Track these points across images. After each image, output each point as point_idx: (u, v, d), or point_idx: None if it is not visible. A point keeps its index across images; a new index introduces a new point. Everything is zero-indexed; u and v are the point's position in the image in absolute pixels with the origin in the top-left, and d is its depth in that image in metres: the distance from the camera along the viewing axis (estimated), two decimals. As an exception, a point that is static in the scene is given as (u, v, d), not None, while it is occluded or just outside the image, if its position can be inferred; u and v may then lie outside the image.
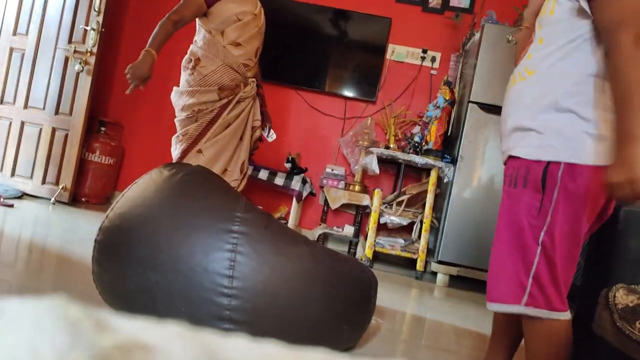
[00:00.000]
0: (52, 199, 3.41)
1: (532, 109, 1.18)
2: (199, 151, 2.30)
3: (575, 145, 1.11)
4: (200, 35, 2.36)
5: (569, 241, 1.13)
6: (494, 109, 3.09)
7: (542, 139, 1.15)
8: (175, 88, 2.39)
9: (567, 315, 1.15)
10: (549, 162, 1.13)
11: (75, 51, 3.47)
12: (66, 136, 3.50)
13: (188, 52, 2.38)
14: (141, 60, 2.12)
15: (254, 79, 2.44)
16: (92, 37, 3.45)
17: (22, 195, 3.43)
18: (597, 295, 1.22)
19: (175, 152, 2.35)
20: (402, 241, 3.33)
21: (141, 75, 2.12)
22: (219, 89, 2.29)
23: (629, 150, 1.00)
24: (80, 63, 3.44)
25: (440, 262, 3.12)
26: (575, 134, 1.11)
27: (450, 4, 3.74)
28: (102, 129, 3.83)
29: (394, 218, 3.24)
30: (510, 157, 1.23)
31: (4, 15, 3.66)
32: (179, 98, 2.35)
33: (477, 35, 3.21)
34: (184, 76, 2.35)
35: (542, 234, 1.12)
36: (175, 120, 2.37)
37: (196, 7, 2.27)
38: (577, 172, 1.10)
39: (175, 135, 2.37)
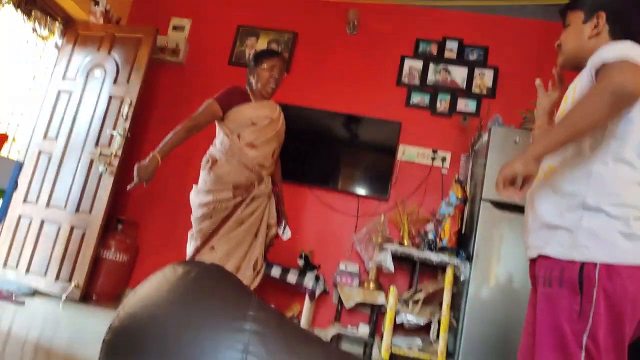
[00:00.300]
0: (63, 296, 3.38)
1: (563, 195, 1.19)
2: (212, 248, 2.32)
3: (609, 245, 1.10)
4: (219, 138, 2.49)
5: (614, 345, 1.08)
6: (507, 207, 3.11)
7: (573, 238, 1.14)
8: (194, 186, 2.48)
9: None
10: (583, 263, 1.11)
11: (100, 154, 3.65)
12: (83, 234, 3.56)
13: (207, 153, 2.50)
14: (147, 162, 2.24)
15: (270, 177, 2.52)
16: (117, 142, 3.65)
17: (34, 293, 3.42)
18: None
19: (190, 248, 2.38)
20: (420, 342, 3.17)
21: (145, 176, 2.24)
22: (234, 188, 2.36)
23: (520, 154, 1.14)
24: (104, 165, 3.61)
25: (461, 367, 2.95)
26: (607, 234, 1.10)
27: (457, 108, 3.93)
28: (119, 226, 3.90)
29: (410, 317, 3.13)
30: (541, 256, 1.22)
31: (36, 121, 3.93)
32: (196, 196, 2.43)
33: (485, 137, 3.33)
34: (202, 175, 2.45)
35: (585, 337, 1.07)
36: (192, 217, 2.43)
37: (211, 114, 2.42)
38: (614, 273, 1.08)
39: (190, 231, 2.41)
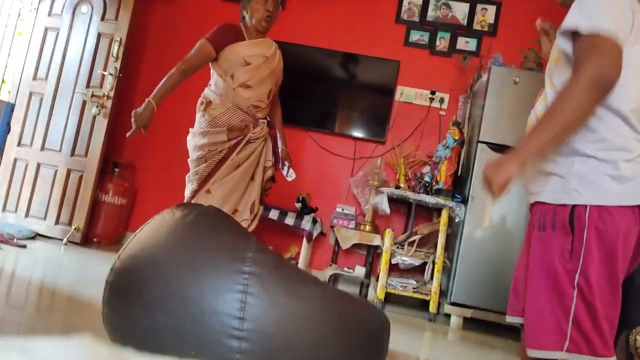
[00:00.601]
0: (65, 239, 3.43)
1: (553, 153, 1.20)
2: (208, 191, 2.32)
3: (598, 187, 1.12)
4: (213, 79, 2.44)
5: (607, 282, 1.11)
6: (503, 149, 3.09)
7: (565, 183, 1.16)
8: (190, 129, 2.45)
9: None
10: (574, 206, 1.14)
11: (92, 95, 3.58)
12: (81, 177, 3.56)
13: (202, 94, 2.45)
14: (142, 108, 2.25)
15: (265, 120, 2.48)
16: (109, 82, 3.57)
17: (35, 236, 3.46)
18: (614, 338, 1.19)
19: (187, 191, 2.39)
20: (415, 282, 3.28)
21: (141, 122, 2.25)
22: (228, 130, 2.33)
23: (504, 157, 1.13)
24: (97, 107, 3.54)
25: (453, 304, 3.06)
26: (596, 177, 1.13)
27: (457, 47, 3.83)
28: (116, 170, 3.90)
29: (405, 258, 3.21)
30: (537, 202, 1.24)
31: (25, 61, 3.81)
32: (192, 139, 2.42)
33: (485, 77, 3.27)
34: (197, 118, 2.42)
35: (577, 276, 1.10)
36: (189, 160, 2.43)
37: (204, 55, 2.36)
38: (605, 212, 1.11)
39: (187, 174, 2.41)
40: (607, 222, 1.11)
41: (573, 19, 1.12)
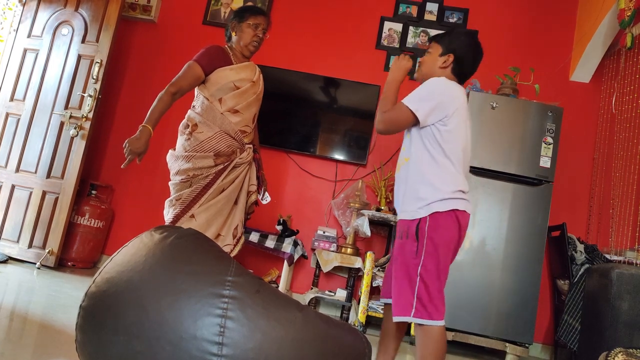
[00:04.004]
0: (38, 263, 3.33)
1: (407, 183, 1.75)
2: (192, 216, 2.26)
3: (430, 207, 1.67)
4: (198, 101, 2.38)
5: (437, 271, 1.66)
6: (482, 172, 3.15)
7: (415, 206, 1.71)
8: (171, 151, 2.38)
9: (441, 323, 1.64)
10: (419, 221, 1.68)
11: (71, 116, 3.54)
12: (56, 200, 3.49)
13: (185, 117, 2.40)
14: (138, 135, 2.13)
15: (251, 145, 2.45)
16: (88, 104, 3.53)
17: (7, 260, 3.36)
18: (594, 358, 1.20)
19: (168, 216, 2.31)
20: (396, 305, 3.26)
21: (137, 150, 2.12)
22: (215, 155, 2.28)
23: None
24: (75, 128, 3.50)
25: (434, 327, 3.05)
26: (430, 197, 1.68)
27: (436, 73, 3.91)
28: (93, 192, 3.83)
29: (386, 281, 3.19)
30: (400, 219, 1.78)
31: (2, 81, 3.76)
32: (174, 162, 2.34)
33: (463, 102, 3.33)
34: (180, 140, 2.36)
35: (420, 268, 1.65)
36: (170, 183, 2.36)
37: (194, 78, 2.30)
38: (437, 224, 1.66)
39: (169, 199, 2.34)
40: (436, 233, 1.65)
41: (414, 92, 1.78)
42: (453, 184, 1.70)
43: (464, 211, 1.72)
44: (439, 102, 1.71)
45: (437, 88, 1.74)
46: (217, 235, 2.32)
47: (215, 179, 2.29)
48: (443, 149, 1.70)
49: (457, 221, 1.69)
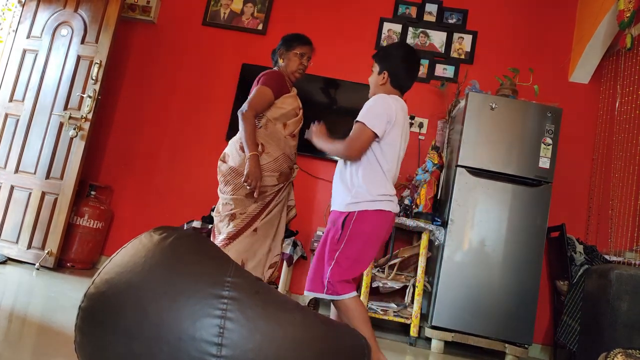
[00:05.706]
0: (37, 264, 3.33)
1: (343, 182, 1.97)
2: (255, 230, 2.36)
3: (360, 205, 1.88)
4: (262, 122, 2.44)
5: (355, 259, 1.88)
6: (481, 173, 3.15)
7: (346, 201, 1.91)
8: (231, 166, 2.41)
9: (353, 294, 1.84)
10: (347, 214, 1.88)
11: (70, 117, 3.53)
12: (55, 200, 3.49)
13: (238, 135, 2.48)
14: (253, 165, 2.28)
15: (297, 165, 2.61)
16: (87, 104, 3.53)
17: (6, 260, 3.35)
18: (594, 359, 1.20)
19: (228, 227, 2.35)
20: (395, 306, 3.26)
21: (258, 177, 2.30)
22: (279, 175, 2.43)
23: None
24: (74, 129, 3.50)
25: (434, 328, 3.05)
26: (361, 197, 1.88)
27: (436, 74, 3.92)
28: (92, 193, 3.83)
29: (386, 282, 3.20)
30: (333, 210, 1.99)
31: (1, 82, 3.76)
32: (235, 177, 2.38)
33: (462, 103, 3.34)
34: (242, 157, 2.39)
35: (337, 253, 1.86)
36: (228, 196, 2.38)
37: (268, 102, 2.43)
38: (363, 219, 1.86)
39: (229, 211, 2.37)
40: (365, 225, 1.85)
41: (363, 108, 2.00)
42: (383, 188, 1.90)
43: (390, 211, 1.92)
44: (388, 116, 1.91)
45: (380, 105, 1.94)
46: (269, 249, 2.44)
47: (275, 196, 2.43)
48: (378, 159, 1.92)
49: (381, 219, 1.90)
